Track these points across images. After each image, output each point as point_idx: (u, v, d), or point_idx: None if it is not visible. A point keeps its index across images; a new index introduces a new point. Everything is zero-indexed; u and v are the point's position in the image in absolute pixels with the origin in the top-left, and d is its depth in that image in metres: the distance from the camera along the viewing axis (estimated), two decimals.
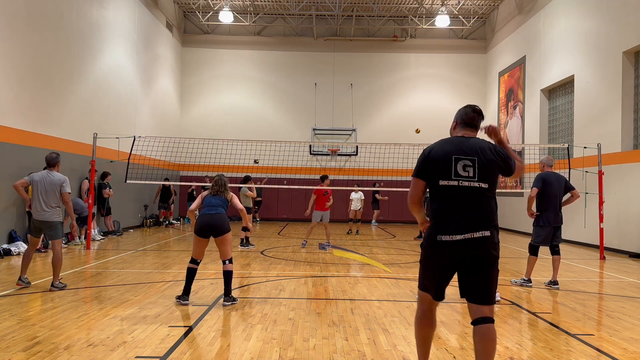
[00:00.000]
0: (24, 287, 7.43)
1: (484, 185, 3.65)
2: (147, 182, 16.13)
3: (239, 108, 24.79)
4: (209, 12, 24.12)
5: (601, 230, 12.42)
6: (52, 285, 7.42)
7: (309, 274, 9.22)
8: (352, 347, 4.97)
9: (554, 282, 8.24)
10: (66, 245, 12.60)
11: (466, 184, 3.62)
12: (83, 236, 13.29)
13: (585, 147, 13.11)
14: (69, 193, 7.58)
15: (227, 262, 6.72)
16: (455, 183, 3.64)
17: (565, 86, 17.48)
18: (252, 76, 25.06)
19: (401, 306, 6.76)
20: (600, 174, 12.50)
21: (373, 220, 22.52)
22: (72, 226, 7.76)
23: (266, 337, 5.23)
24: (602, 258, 12.08)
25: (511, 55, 21.65)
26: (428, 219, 3.79)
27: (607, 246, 13.07)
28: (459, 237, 3.57)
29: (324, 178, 13.34)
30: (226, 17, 23.31)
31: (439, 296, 3.78)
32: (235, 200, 7.10)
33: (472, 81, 25.01)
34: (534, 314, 6.48)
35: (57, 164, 7.67)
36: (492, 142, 3.86)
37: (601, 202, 12.41)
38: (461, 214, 3.60)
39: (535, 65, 19.13)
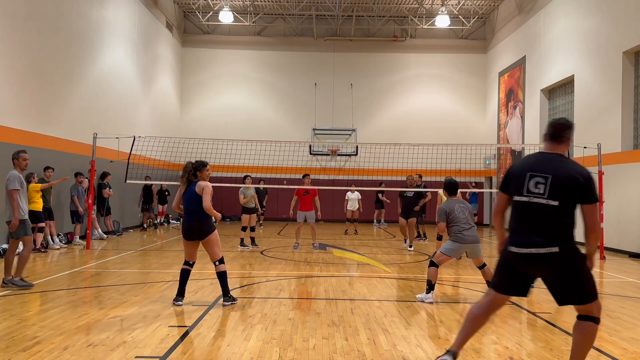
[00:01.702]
0: (7, 289, 7.27)
1: (553, 203, 3.71)
2: (147, 182, 16.13)
3: (239, 108, 24.79)
4: (209, 12, 24.12)
5: (601, 230, 12.41)
6: (4, 280, 7.27)
7: (309, 274, 9.22)
8: (352, 347, 4.97)
9: None
10: (66, 246, 12.60)
11: (535, 200, 3.75)
12: (78, 236, 13.24)
13: (585, 147, 13.10)
14: (16, 190, 7.27)
15: (217, 263, 6.63)
16: (526, 199, 3.80)
17: (565, 86, 17.48)
18: (252, 76, 25.06)
19: (401, 306, 6.76)
20: (600, 174, 12.49)
21: (378, 220, 22.41)
22: (11, 225, 7.38)
23: (266, 337, 5.23)
24: (602, 258, 12.08)
25: (511, 55, 21.65)
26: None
27: (607, 246, 13.07)
28: (524, 250, 3.75)
29: (304, 177, 13.02)
30: (226, 17, 23.31)
31: (510, 292, 4.00)
32: (206, 196, 6.45)
33: (472, 81, 25.02)
34: (534, 314, 6.48)
35: (13, 159, 7.52)
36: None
37: (601, 202, 12.40)
38: (529, 229, 3.77)
39: (535, 65, 19.13)
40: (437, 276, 7.07)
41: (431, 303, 6.87)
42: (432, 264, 7.00)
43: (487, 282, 7.10)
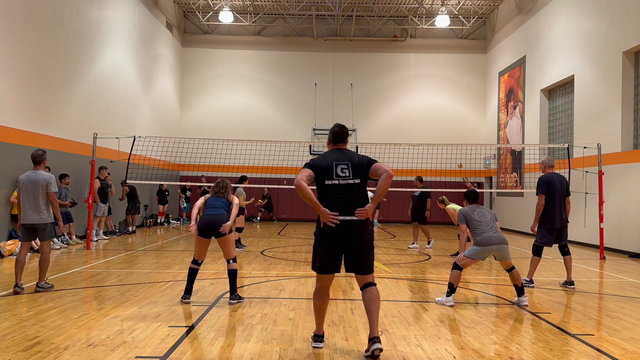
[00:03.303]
0: (21, 294, 7.24)
1: None
2: (147, 182, 16.13)
3: (239, 108, 24.79)
4: (209, 12, 24.12)
5: (601, 230, 12.42)
6: (37, 285, 7.24)
7: (308, 274, 9.21)
8: (352, 347, 4.97)
9: (569, 283, 8.26)
10: (66, 246, 12.60)
11: None
12: (73, 236, 13.21)
13: (585, 147, 13.11)
14: (55, 192, 7.28)
15: (231, 261, 6.73)
16: None
17: (565, 86, 17.48)
18: (252, 76, 25.05)
19: (401, 306, 6.76)
20: (600, 174, 12.50)
21: (375, 220, 22.51)
22: (59, 227, 7.47)
23: (266, 337, 5.23)
24: (602, 258, 12.08)
25: (511, 55, 21.65)
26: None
27: (607, 246, 13.06)
28: None
29: None
30: (226, 17, 23.31)
31: None
32: (234, 207, 6.99)
33: (472, 81, 25.02)
34: (534, 314, 6.48)
35: (42, 161, 7.36)
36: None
37: (601, 202, 12.40)
38: None
39: (535, 65, 19.13)
40: (460, 279, 7.01)
41: (452, 306, 6.72)
42: (456, 266, 6.86)
43: (515, 286, 6.95)
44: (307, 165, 4.80)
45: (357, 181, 4.73)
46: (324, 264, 4.74)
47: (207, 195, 7.09)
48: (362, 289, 4.79)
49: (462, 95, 25.05)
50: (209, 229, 6.65)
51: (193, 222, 6.80)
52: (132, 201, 16.95)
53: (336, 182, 4.70)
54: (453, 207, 11.32)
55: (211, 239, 6.76)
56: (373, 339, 4.61)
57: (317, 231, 4.77)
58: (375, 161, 4.81)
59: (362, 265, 4.74)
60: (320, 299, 4.84)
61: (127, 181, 13.95)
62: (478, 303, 7.11)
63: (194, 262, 6.74)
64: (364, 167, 4.77)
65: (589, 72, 15.45)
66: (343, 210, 4.62)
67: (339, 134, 4.97)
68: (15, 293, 7.09)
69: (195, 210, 7.02)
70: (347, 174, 4.73)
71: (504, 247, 6.82)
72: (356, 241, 4.66)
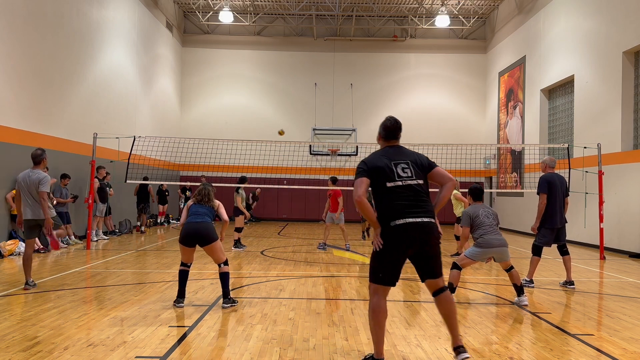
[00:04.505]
0: (31, 291, 7.23)
1: None
2: (147, 182, 16.13)
3: (239, 108, 24.80)
4: (209, 12, 24.13)
5: (601, 230, 12.42)
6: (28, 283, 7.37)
7: (308, 274, 9.22)
8: (352, 347, 4.97)
9: (569, 283, 8.27)
10: (66, 246, 12.60)
11: None
12: (72, 236, 13.22)
13: (585, 147, 13.11)
14: (46, 192, 7.34)
15: (222, 265, 6.59)
16: None
17: (565, 86, 17.48)
18: (252, 76, 25.06)
19: (401, 306, 6.76)
20: (600, 174, 12.50)
21: None
22: (46, 225, 7.43)
23: (266, 337, 5.23)
24: (602, 258, 12.08)
25: (511, 55, 21.65)
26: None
27: (607, 246, 13.06)
28: None
29: (333, 180, 13.13)
30: (226, 17, 23.32)
31: None
32: (222, 210, 6.86)
33: (472, 81, 25.02)
34: (534, 314, 6.48)
35: (41, 161, 7.51)
36: None
37: (601, 202, 12.40)
38: None
39: (535, 65, 19.14)
40: (460, 279, 7.01)
41: None
42: (455, 266, 6.89)
43: (514, 285, 6.97)
44: (361, 172, 4.33)
45: (420, 182, 4.35)
46: (389, 274, 4.36)
47: (190, 203, 6.82)
48: (434, 295, 4.49)
49: (462, 95, 25.06)
50: (193, 237, 6.48)
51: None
52: (143, 200, 17.10)
53: (399, 183, 4.28)
54: (460, 195, 11.33)
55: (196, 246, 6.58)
56: (458, 348, 4.36)
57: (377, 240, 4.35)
58: (435, 164, 4.50)
59: (433, 269, 4.43)
60: (381, 313, 4.44)
61: (131, 181, 13.93)
62: (478, 303, 7.11)
63: (183, 264, 6.62)
64: (424, 167, 4.44)
65: (589, 72, 15.45)
66: (408, 213, 4.24)
67: (390, 129, 4.51)
68: (25, 290, 7.18)
69: (185, 215, 6.75)
70: (410, 174, 4.33)
71: (503, 249, 6.85)
72: (425, 244, 4.32)
